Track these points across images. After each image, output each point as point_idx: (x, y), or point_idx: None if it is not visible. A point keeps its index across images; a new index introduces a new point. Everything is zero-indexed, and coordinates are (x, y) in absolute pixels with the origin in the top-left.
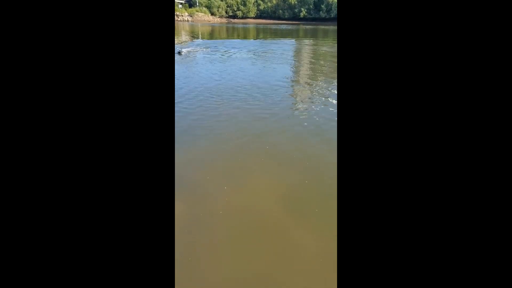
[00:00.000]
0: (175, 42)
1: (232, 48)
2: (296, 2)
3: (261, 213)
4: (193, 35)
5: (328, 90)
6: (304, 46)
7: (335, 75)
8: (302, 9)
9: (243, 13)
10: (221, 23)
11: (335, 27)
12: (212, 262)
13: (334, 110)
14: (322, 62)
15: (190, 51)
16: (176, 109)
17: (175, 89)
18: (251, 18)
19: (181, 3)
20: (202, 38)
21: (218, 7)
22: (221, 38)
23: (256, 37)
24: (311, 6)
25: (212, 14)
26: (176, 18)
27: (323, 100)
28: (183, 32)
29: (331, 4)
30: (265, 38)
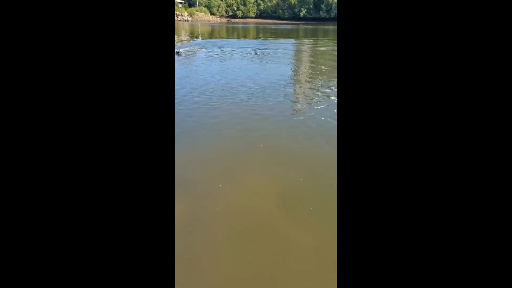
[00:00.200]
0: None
1: (232, 47)
2: (296, 2)
3: (261, 213)
4: (193, 35)
5: (329, 88)
6: (304, 45)
7: (335, 74)
8: (302, 9)
9: (243, 13)
10: (221, 22)
11: (335, 27)
12: (212, 262)
13: (335, 109)
14: (322, 62)
15: (189, 51)
16: (176, 109)
17: (175, 89)
18: (251, 18)
19: (181, 3)
20: (202, 37)
21: (218, 6)
22: (221, 38)
23: (256, 36)
24: (311, 6)
25: (212, 13)
26: (176, 17)
27: (324, 99)
28: (183, 32)
29: (331, 4)
30: (265, 37)
